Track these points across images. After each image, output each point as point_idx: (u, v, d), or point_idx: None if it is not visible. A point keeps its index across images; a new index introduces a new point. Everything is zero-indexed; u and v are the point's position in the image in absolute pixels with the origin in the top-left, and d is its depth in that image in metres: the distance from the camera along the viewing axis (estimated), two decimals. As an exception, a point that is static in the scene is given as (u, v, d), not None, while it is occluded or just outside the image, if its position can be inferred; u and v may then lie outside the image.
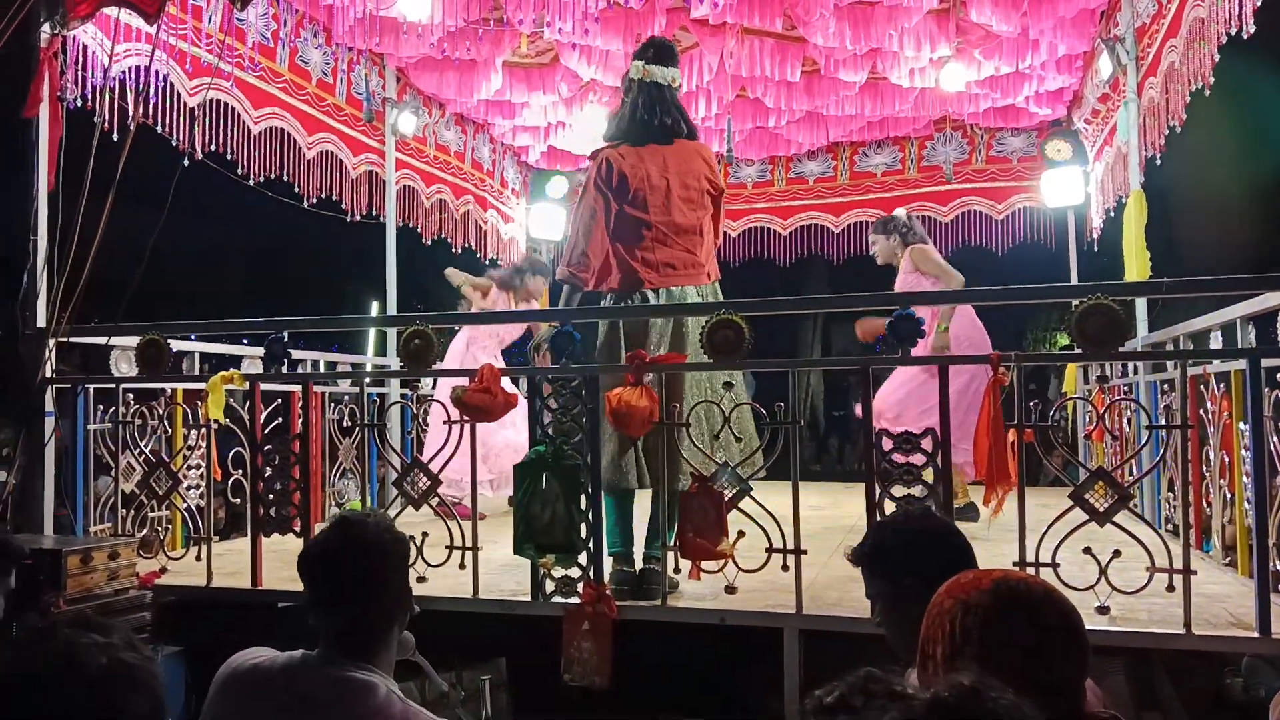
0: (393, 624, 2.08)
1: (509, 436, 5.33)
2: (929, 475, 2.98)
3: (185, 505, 4.12)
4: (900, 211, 5.43)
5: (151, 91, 4.36)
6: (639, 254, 3.47)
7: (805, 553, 3.14)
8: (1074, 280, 7.23)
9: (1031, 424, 2.84)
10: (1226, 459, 3.73)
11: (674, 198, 3.48)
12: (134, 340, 3.93)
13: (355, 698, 1.90)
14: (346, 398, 5.46)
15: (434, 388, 5.48)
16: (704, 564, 3.20)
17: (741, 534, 3.16)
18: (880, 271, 5.74)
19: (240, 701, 1.98)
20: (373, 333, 9.92)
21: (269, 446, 3.74)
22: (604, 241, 3.51)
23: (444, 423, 3.48)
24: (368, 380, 4.59)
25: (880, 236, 5.45)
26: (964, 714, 0.94)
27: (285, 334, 3.71)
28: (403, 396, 5.88)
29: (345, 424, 5.34)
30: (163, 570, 3.76)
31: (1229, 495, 3.74)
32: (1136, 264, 5.16)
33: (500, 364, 5.53)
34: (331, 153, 5.92)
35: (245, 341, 5.29)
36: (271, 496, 3.66)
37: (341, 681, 1.92)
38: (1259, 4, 3.55)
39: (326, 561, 2.06)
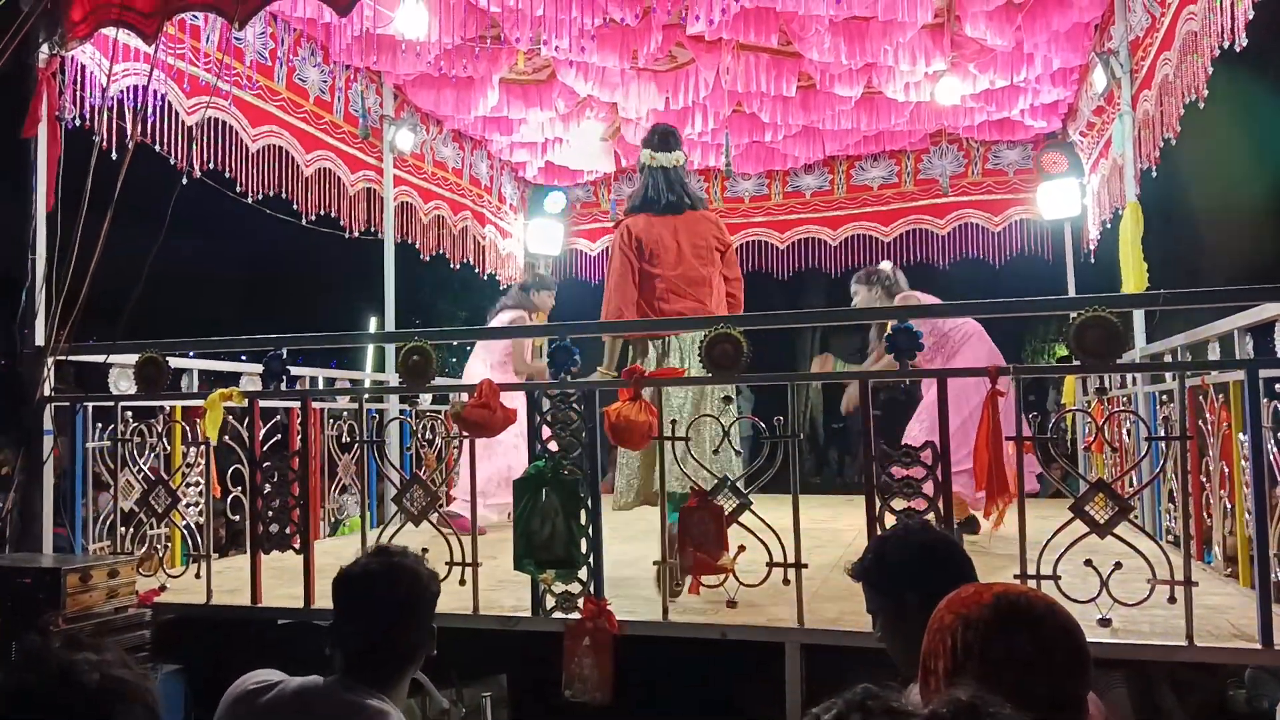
0: (415, 659, 2.12)
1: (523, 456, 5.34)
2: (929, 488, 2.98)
3: (184, 523, 4.12)
4: (885, 264, 5.38)
5: (150, 111, 4.37)
6: (656, 304, 4.00)
7: (806, 566, 3.14)
8: (1071, 291, 7.25)
9: (1030, 436, 2.84)
10: (1226, 470, 3.73)
11: (685, 256, 4.04)
12: (133, 358, 3.93)
13: None
14: (346, 414, 5.46)
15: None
16: (704, 578, 3.20)
17: (742, 548, 3.16)
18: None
19: (248, 716, 1.98)
20: (371, 349, 9.93)
21: (268, 464, 3.74)
22: (633, 296, 4.01)
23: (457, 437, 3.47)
24: (366, 396, 4.59)
25: (862, 287, 5.33)
26: None
27: (284, 351, 3.71)
28: (402, 412, 5.89)
29: (345, 440, 5.34)
30: (162, 588, 3.75)
31: (1229, 506, 3.74)
32: (1133, 276, 5.17)
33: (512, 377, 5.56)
34: (329, 170, 5.93)
35: (244, 359, 5.29)
36: (270, 513, 3.65)
37: (357, 709, 1.94)
38: (1251, 17, 3.57)
39: (366, 586, 2.10)
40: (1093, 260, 6.93)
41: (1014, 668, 1.41)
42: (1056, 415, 3.07)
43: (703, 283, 4.04)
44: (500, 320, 5.92)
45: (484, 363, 5.80)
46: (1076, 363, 2.94)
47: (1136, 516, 4.92)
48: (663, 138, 4.23)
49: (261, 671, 2.10)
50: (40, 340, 3.91)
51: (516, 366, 5.79)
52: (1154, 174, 5.01)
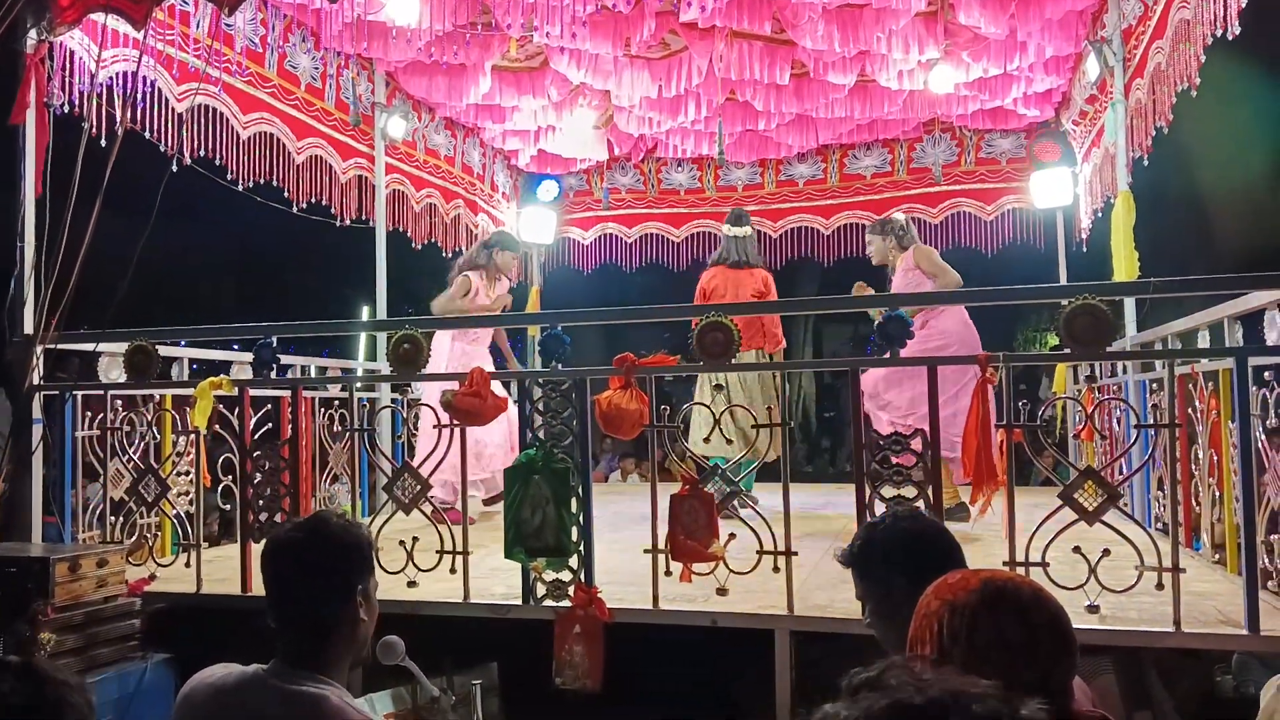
0: (351, 634, 1.99)
1: (499, 439, 5.30)
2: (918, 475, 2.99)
3: (175, 512, 4.10)
4: (898, 214, 5.49)
5: (139, 97, 4.34)
6: None
7: (796, 554, 3.14)
8: (1063, 280, 7.26)
9: (1020, 424, 2.84)
10: (1215, 458, 3.74)
11: (736, 297, 5.71)
12: (123, 346, 3.91)
13: (304, 712, 1.85)
14: (337, 403, 5.44)
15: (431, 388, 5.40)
16: (695, 566, 3.20)
17: (732, 536, 3.16)
18: (871, 274, 5.75)
19: (200, 706, 1.93)
20: (363, 337, 9.91)
21: (258, 452, 3.73)
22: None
23: (433, 427, 3.47)
24: (357, 385, 4.57)
25: (877, 237, 5.52)
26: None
27: (274, 339, 3.70)
28: (393, 401, 5.88)
29: (336, 430, 5.32)
30: (152, 577, 3.74)
31: (1218, 494, 3.75)
32: (1125, 264, 5.18)
33: (489, 357, 5.51)
34: (321, 157, 5.90)
35: (236, 347, 5.27)
36: (260, 502, 3.65)
37: (291, 696, 1.86)
38: (1244, 4, 3.57)
39: (281, 554, 1.99)
40: (1084, 249, 6.94)
41: (1000, 653, 1.41)
42: (1046, 403, 3.07)
43: (751, 321, 5.59)
44: (456, 279, 5.72)
45: (448, 335, 5.65)
46: (1067, 351, 2.95)
47: (1126, 504, 4.95)
48: (738, 218, 6.04)
49: (215, 667, 2.01)
50: (29, 328, 3.89)
51: (444, 307, 5.62)
52: (1145, 163, 5.02)
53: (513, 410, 3.97)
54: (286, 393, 4.24)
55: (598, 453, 10.66)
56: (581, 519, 3.29)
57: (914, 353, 4.24)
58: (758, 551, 3.14)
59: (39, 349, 3.89)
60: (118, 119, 4.13)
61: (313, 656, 1.93)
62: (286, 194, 5.64)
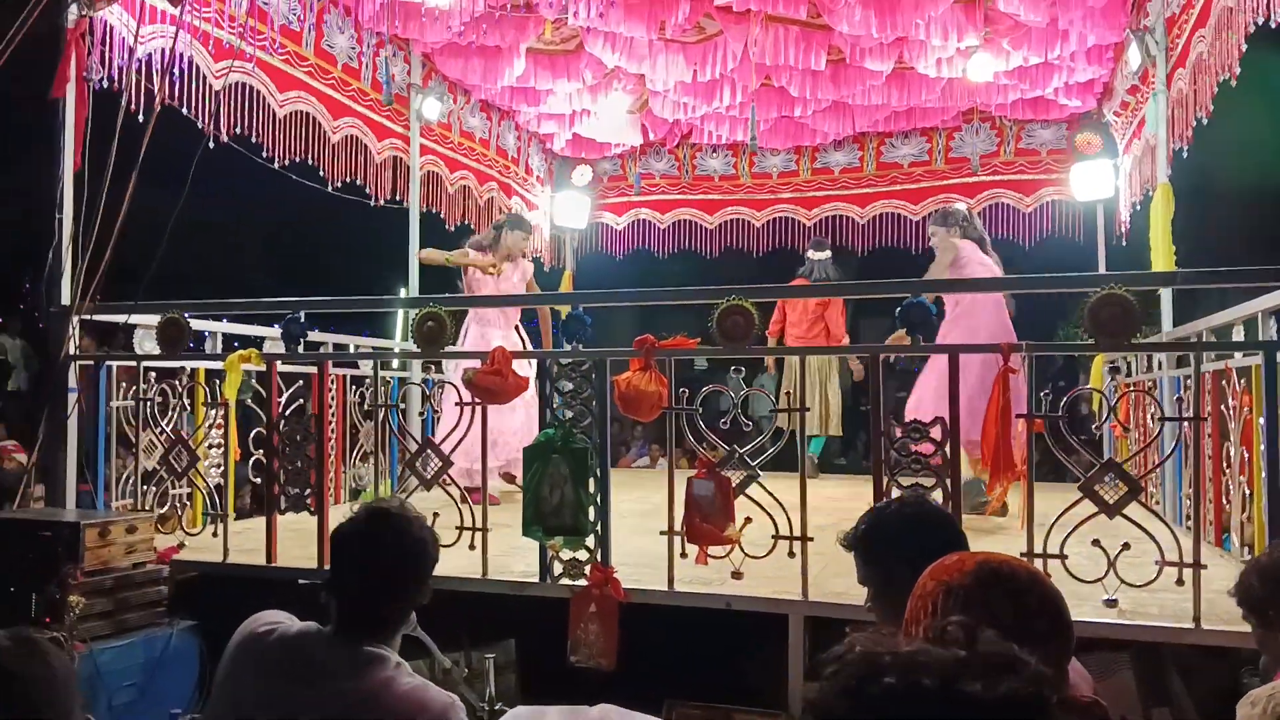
0: (406, 616, 2.15)
1: (515, 426, 5.27)
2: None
3: (206, 484, 4.17)
4: (960, 205, 5.40)
5: (176, 73, 4.41)
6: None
7: (812, 540, 3.13)
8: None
9: (1040, 414, 2.81)
10: (1246, 455, 3.68)
11: (807, 310, 7.19)
12: (156, 319, 3.98)
13: (368, 668, 1.97)
14: (368, 381, 5.49)
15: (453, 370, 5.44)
16: (711, 549, 3.21)
17: (748, 520, 3.16)
18: (906, 264, 5.69)
19: (256, 662, 2.04)
20: (401, 316, 9.98)
21: (286, 426, 3.78)
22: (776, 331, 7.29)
23: (454, 404, 3.50)
24: (381, 362, 4.62)
25: (940, 228, 5.37)
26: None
27: (302, 314, 3.75)
28: (424, 380, 5.92)
29: (367, 407, 5.37)
30: (180, 546, 3.82)
31: (1248, 492, 3.68)
32: (1162, 257, 5.09)
33: (513, 338, 5.52)
34: (356, 137, 5.95)
35: (274, 325, 5.33)
36: (285, 475, 3.70)
37: (354, 654, 1.99)
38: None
39: (366, 545, 2.12)
40: (1124, 243, 6.82)
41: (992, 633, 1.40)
42: (1068, 395, 3.03)
43: (810, 323, 7.16)
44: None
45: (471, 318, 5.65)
46: (1091, 341, 2.91)
47: (1157, 503, 4.88)
48: (819, 244, 7.36)
49: (270, 613, 2.15)
50: (65, 299, 3.97)
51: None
52: (1185, 154, 4.92)
53: (531, 395, 3.99)
54: (316, 369, 4.31)
55: (629, 439, 10.68)
56: (599, 499, 3.31)
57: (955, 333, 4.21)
58: (773, 536, 3.14)
59: (75, 319, 3.97)
60: (155, 95, 4.19)
61: (374, 630, 2.06)
62: (322, 173, 5.69)
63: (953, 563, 1.51)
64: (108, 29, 4.13)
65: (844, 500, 5.67)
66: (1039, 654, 1.43)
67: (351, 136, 5.91)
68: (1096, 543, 2.86)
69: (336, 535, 2.16)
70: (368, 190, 6.12)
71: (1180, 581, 2.80)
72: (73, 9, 3.93)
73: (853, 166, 8.14)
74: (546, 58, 6.51)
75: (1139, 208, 6.21)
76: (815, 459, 6.72)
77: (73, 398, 3.96)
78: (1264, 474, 2.82)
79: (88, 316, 4.03)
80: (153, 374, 4.12)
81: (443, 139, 6.89)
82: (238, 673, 2.06)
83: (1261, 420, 3.05)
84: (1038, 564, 2.83)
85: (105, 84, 4.12)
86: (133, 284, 4.14)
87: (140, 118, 4.10)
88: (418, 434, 4.57)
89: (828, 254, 7.28)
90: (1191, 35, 4.63)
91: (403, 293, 6.92)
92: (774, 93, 6.99)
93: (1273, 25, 3.59)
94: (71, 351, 3.98)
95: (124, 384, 4.25)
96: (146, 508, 3.95)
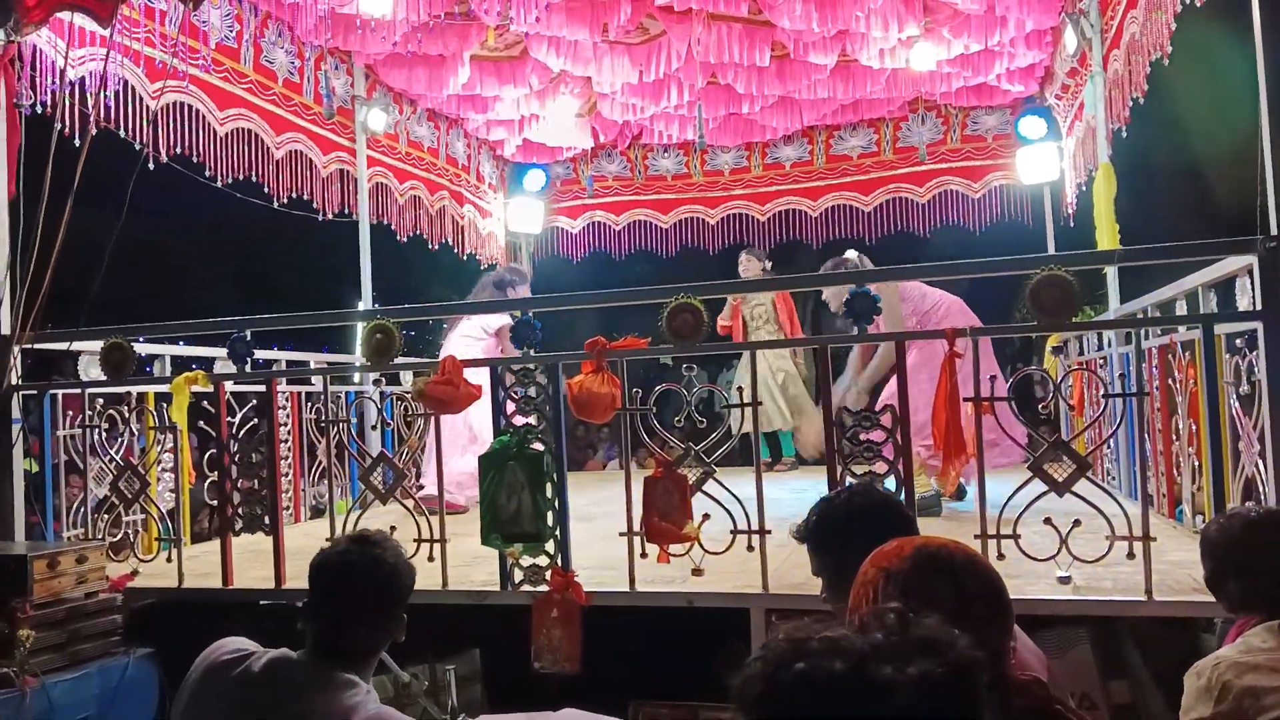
0: (383, 644, 2.18)
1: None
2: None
3: (159, 509, 4.11)
4: (851, 253, 5.34)
5: (111, 95, 4.34)
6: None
7: (770, 533, 3.14)
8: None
9: (985, 398, 2.84)
10: (1194, 427, 3.74)
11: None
12: (100, 345, 3.91)
13: (336, 692, 1.98)
14: (324, 397, 5.43)
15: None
16: (671, 547, 3.20)
17: (706, 516, 3.16)
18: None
19: (218, 695, 2.03)
20: (360, 330, 9.90)
21: (237, 446, 3.74)
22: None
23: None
24: (340, 377, 4.58)
25: (838, 288, 5.21)
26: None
27: (247, 333, 3.70)
28: (381, 393, 5.86)
29: (322, 424, 5.32)
30: (135, 573, 3.75)
31: (1197, 464, 3.74)
32: (1106, 236, 5.17)
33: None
34: (301, 152, 5.90)
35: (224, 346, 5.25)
36: (239, 496, 3.65)
37: (325, 678, 2.00)
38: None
39: (344, 574, 2.13)
40: (1072, 224, 6.91)
41: (933, 616, 1.41)
42: (1013, 377, 3.06)
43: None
44: (489, 324, 5.63)
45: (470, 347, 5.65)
46: (1034, 323, 2.94)
47: (1113, 479, 4.95)
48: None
49: (231, 640, 2.15)
50: (5, 329, 3.89)
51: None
52: (1124, 134, 5.00)
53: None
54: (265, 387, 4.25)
55: (595, 442, 10.65)
56: (558, 504, 3.29)
57: (915, 352, 4.21)
58: (731, 531, 3.15)
59: (16, 349, 3.89)
60: (90, 118, 4.12)
61: (349, 657, 2.07)
62: (267, 189, 5.63)
63: (892, 549, 1.52)
64: (37, 53, 4.06)
65: (808, 492, 5.73)
66: (978, 635, 1.45)
67: (296, 151, 5.85)
68: (1048, 521, 2.89)
69: (321, 563, 2.18)
70: (315, 205, 6.06)
71: (1131, 555, 2.84)
72: (0, 35, 3.85)
73: (803, 160, 8.19)
74: (492, 64, 6.49)
75: (1084, 189, 6.30)
76: (793, 461, 6.63)
77: (16, 428, 3.88)
78: (1207, 444, 2.86)
79: (29, 345, 3.94)
80: (99, 400, 4.05)
81: (390, 150, 6.84)
82: (200, 707, 2.05)
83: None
84: (991, 544, 2.87)
85: (39, 109, 4.04)
86: (77, 310, 4.06)
87: (76, 141, 4.02)
88: (375, 448, 4.53)
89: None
90: (1124, 17, 4.71)
91: (360, 306, 6.87)
92: (721, 90, 7.02)
93: (1198, 4, 3.65)
94: (13, 382, 3.90)
95: (70, 413, 4.18)
96: (99, 536, 3.88)
